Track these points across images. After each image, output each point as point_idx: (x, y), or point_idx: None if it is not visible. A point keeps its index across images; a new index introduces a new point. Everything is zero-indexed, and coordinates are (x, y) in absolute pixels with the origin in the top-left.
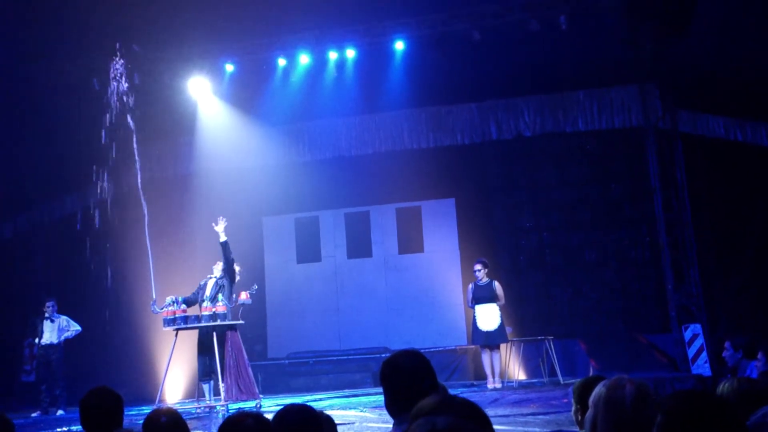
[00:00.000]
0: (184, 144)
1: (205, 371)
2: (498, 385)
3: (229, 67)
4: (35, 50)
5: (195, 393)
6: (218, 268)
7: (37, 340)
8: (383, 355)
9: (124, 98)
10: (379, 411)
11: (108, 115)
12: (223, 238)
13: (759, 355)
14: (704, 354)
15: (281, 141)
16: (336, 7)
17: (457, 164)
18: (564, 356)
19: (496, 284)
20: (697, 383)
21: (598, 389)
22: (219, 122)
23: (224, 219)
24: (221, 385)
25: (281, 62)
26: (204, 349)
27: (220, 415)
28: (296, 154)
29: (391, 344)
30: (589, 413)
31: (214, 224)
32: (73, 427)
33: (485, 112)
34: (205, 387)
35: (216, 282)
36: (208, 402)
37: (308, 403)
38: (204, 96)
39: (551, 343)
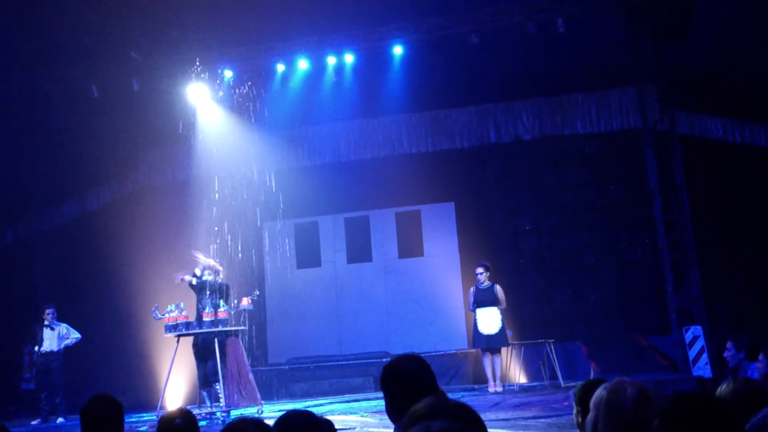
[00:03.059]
0: (184, 150)
1: (206, 379)
2: (499, 389)
3: (228, 73)
4: (35, 58)
5: (196, 400)
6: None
7: (36, 348)
8: (383, 360)
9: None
10: (380, 416)
11: (107, 122)
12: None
13: (761, 357)
14: (705, 356)
15: (280, 146)
16: (334, 12)
17: (457, 168)
18: (565, 359)
19: (498, 288)
20: (697, 385)
21: (599, 392)
22: (218, 128)
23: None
24: (222, 391)
25: (280, 68)
26: (201, 356)
27: (221, 421)
28: (295, 159)
29: (391, 348)
30: (590, 416)
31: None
32: None
33: (484, 116)
34: (205, 394)
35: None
36: (209, 408)
37: (309, 409)
38: (203, 102)
39: (552, 346)
